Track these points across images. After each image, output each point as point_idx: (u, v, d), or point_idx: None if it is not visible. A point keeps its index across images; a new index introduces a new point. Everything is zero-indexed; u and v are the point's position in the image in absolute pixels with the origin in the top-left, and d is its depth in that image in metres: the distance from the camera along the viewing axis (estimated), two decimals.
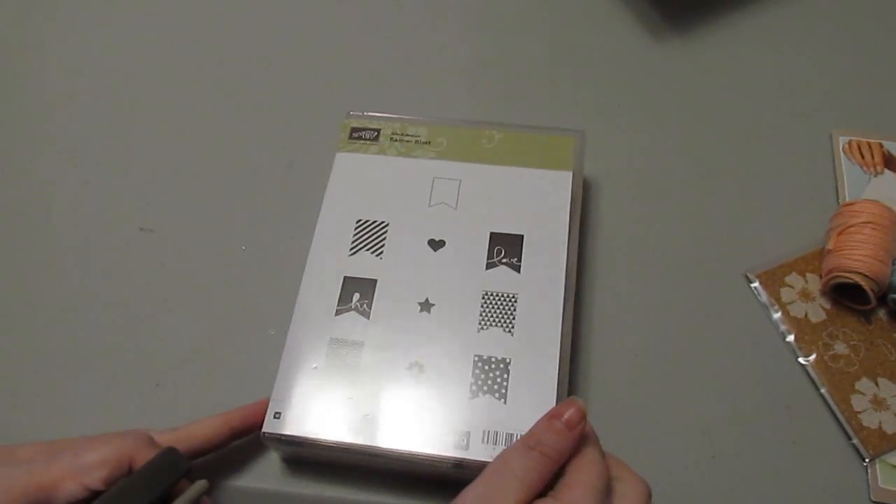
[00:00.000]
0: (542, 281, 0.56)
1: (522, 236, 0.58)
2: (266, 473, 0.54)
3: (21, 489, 0.45)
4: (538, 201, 0.59)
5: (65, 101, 0.70)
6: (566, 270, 0.56)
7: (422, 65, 0.73)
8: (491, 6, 0.76)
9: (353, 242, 0.58)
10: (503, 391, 0.52)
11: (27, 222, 0.64)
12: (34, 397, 0.57)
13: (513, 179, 0.60)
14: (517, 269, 0.57)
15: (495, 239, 0.58)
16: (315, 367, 0.53)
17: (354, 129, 0.63)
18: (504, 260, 0.57)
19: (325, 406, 0.52)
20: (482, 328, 0.54)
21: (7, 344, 0.59)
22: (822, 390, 0.57)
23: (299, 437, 0.51)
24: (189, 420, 0.55)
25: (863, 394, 0.57)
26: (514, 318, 0.55)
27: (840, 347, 0.59)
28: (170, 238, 0.63)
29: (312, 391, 0.53)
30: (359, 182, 0.61)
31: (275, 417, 0.52)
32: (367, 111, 0.64)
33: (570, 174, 0.61)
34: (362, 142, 0.63)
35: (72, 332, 0.59)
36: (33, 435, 0.53)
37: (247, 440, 0.55)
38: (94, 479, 0.45)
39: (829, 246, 0.60)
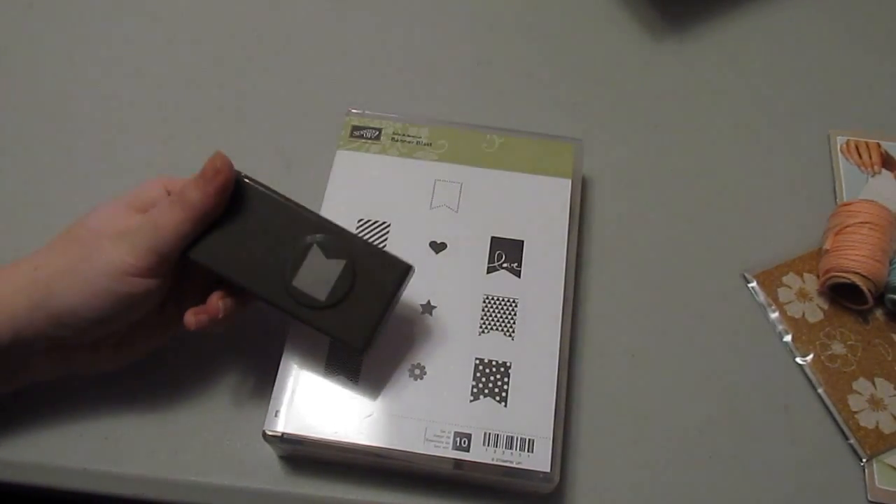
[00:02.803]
0: (541, 287, 0.56)
1: (522, 242, 0.58)
2: (264, 473, 0.54)
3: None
4: (538, 208, 0.60)
5: (61, 101, 0.70)
6: (565, 277, 0.57)
7: (419, 66, 0.72)
8: (491, 8, 0.76)
9: None
10: (504, 394, 0.53)
11: (24, 222, 0.64)
12: (31, 397, 0.57)
13: (513, 185, 0.61)
14: (517, 273, 0.57)
15: (496, 244, 0.58)
16: (317, 367, 0.54)
17: (355, 128, 0.63)
18: (505, 265, 0.57)
19: (326, 405, 0.52)
20: (483, 332, 0.55)
21: None
22: (820, 390, 0.58)
23: (300, 436, 0.51)
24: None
25: (860, 394, 0.57)
26: (514, 323, 0.55)
27: (837, 347, 0.59)
28: None
29: (314, 390, 0.53)
30: (360, 181, 0.61)
31: (275, 416, 0.52)
32: (368, 111, 0.64)
33: (570, 182, 0.61)
34: (363, 140, 0.63)
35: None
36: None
37: (245, 441, 0.55)
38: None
39: (827, 246, 0.60)
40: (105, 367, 0.53)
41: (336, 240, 0.50)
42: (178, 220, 0.48)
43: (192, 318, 0.49)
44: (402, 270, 0.51)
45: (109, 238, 0.48)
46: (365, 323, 0.50)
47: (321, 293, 0.50)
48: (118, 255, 0.47)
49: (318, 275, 0.50)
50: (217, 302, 0.50)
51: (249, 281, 0.50)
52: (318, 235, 0.50)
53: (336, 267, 0.50)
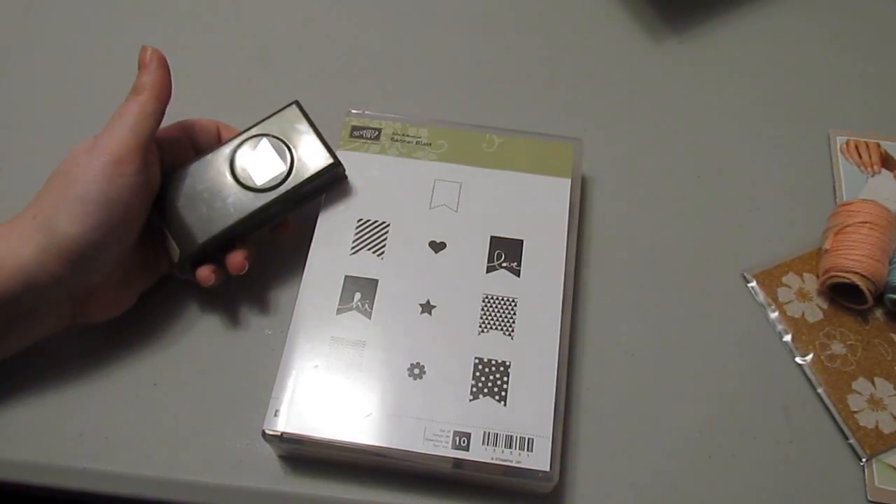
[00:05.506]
0: (541, 286, 0.57)
1: (522, 241, 0.58)
2: (264, 473, 0.54)
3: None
4: (538, 207, 0.60)
5: (60, 101, 0.70)
6: (565, 276, 0.57)
7: (419, 66, 0.72)
8: (491, 8, 0.76)
9: (354, 241, 0.58)
10: (503, 393, 0.53)
11: None
12: (31, 397, 0.57)
13: (512, 184, 0.61)
14: (517, 273, 0.57)
15: (495, 243, 0.58)
16: (316, 366, 0.54)
17: (355, 128, 0.63)
18: (504, 264, 0.57)
19: (325, 405, 0.52)
20: (483, 331, 0.55)
21: None
22: (819, 390, 0.58)
23: (299, 436, 0.51)
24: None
25: (860, 393, 0.57)
26: (513, 322, 0.55)
27: (837, 347, 0.59)
28: None
29: (313, 390, 0.53)
30: (360, 181, 0.61)
31: (275, 415, 0.52)
32: (367, 111, 0.64)
33: (569, 181, 0.61)
34: (363, 141, 0.63)
35: (68, 330, 0.59)
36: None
37: (245, 440, 0.55)
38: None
39: (827, 246, 0.60)
40: (105, 314, 0.56)
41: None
42: (140, 103, 0.53)
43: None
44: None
45: (85, 152, 0.51)
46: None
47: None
48: (97, 159, 0.51)
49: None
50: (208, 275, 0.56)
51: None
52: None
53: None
